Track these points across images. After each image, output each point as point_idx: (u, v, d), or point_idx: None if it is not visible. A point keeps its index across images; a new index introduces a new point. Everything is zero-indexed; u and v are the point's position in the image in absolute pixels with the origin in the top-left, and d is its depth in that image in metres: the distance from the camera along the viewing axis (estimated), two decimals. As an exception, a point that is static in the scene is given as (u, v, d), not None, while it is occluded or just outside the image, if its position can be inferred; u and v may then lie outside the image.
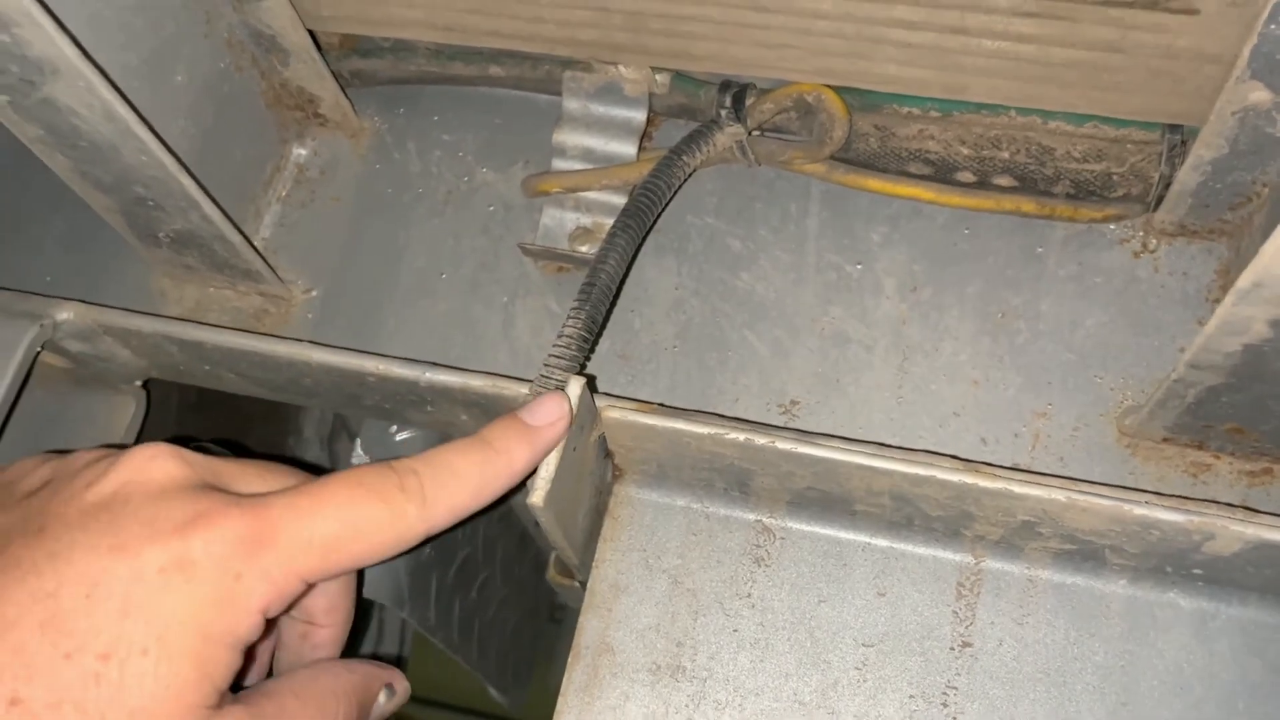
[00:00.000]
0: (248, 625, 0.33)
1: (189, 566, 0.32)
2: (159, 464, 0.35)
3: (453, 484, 0.37)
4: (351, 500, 0.35)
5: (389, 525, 0.35)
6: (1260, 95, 0.40)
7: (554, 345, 0.43)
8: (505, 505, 0.65)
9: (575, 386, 0.41)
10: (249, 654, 0.35)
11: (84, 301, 0.49)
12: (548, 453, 0.40)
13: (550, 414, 0.39)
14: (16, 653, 0.30)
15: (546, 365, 0.43)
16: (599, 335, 0.48)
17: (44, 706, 0.30)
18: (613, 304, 0.48)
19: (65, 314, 0.49)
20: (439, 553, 0.54)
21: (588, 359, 0.46)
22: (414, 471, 0.36)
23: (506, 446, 0.38)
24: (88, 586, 0.32)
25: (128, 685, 0.31)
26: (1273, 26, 0.38)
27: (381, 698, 0.41)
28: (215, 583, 0.32)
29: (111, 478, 0.35)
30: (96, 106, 0.41)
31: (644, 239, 0.50)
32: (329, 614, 0.41)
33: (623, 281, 0.48)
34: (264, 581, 0.33)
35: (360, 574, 0.43)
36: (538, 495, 0.39)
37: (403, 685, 0.42)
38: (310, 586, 0.36)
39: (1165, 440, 0.46)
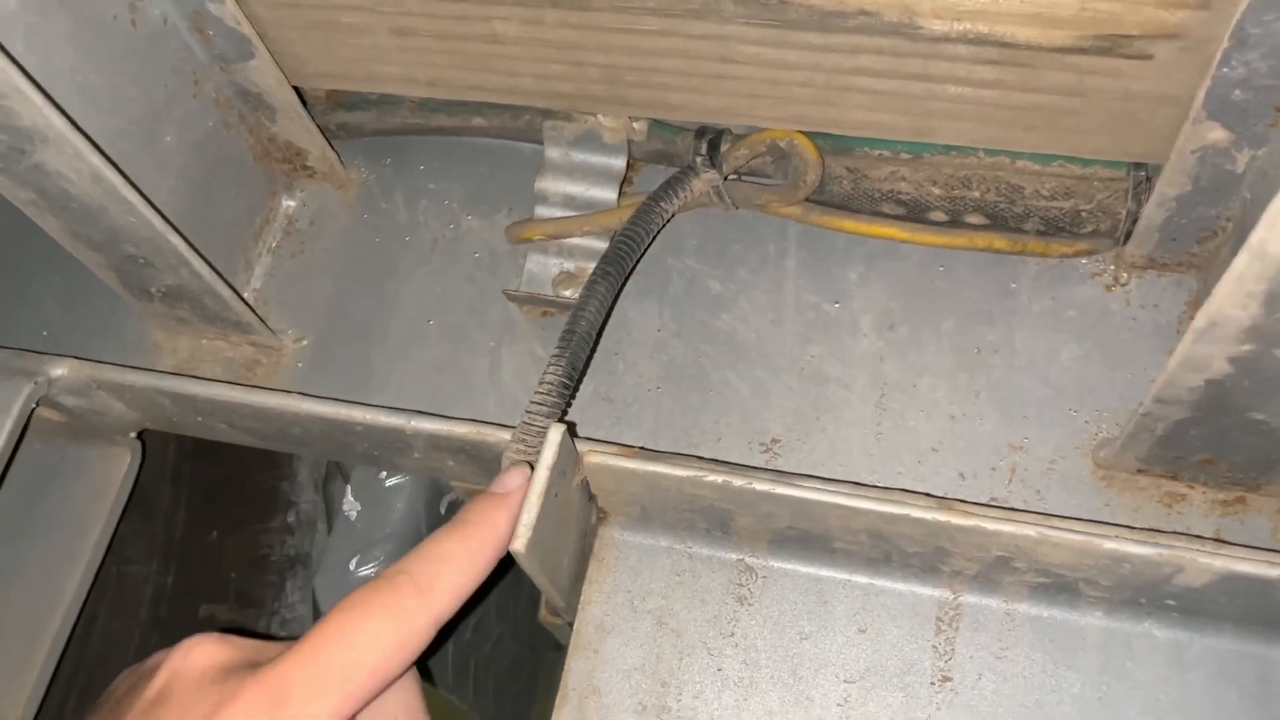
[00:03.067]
0: None
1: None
2: (201, 650, 0.37)
3: (444, 568, 0.38)
4: (351, 624, 0.36)
5: (394, 630, 0.36)
6: (1218, 134, 0.41)
7: (535, 393, 0.44)
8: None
9: (555, 434, 0.42)
10: None
11: (78, 358, 0.50)
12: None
13: (517, 483, 0.40)
14: None
15: (528, 413, 0.44)
16: (580, 380, 0.49)
17: None
18: (594, 349, 0.49)
19: (59, 370, 0.50)
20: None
21: (569, 405, 0.47)
22: (402, 571, 0.37)
23: (485, 518, 0.39)
24: None
25: None
26: (1225, 70, 0.39)
27: None
28: None
29: (163, 672, 0.36)
30: (84, 171, 0.43)
31: (624, 284, 0.51)
32: None
33: (604, 326, 0.49)
34: None
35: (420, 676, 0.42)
36: (519, 542, 0.40)
37: None
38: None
39: (1139, 472, 0.47)
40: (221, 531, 0.64)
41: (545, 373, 0.45)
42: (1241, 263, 0.32)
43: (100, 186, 0.44)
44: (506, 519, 0.40)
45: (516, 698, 0.74)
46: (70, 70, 0.45)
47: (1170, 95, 0.42)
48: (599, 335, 0.48)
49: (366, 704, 0.36)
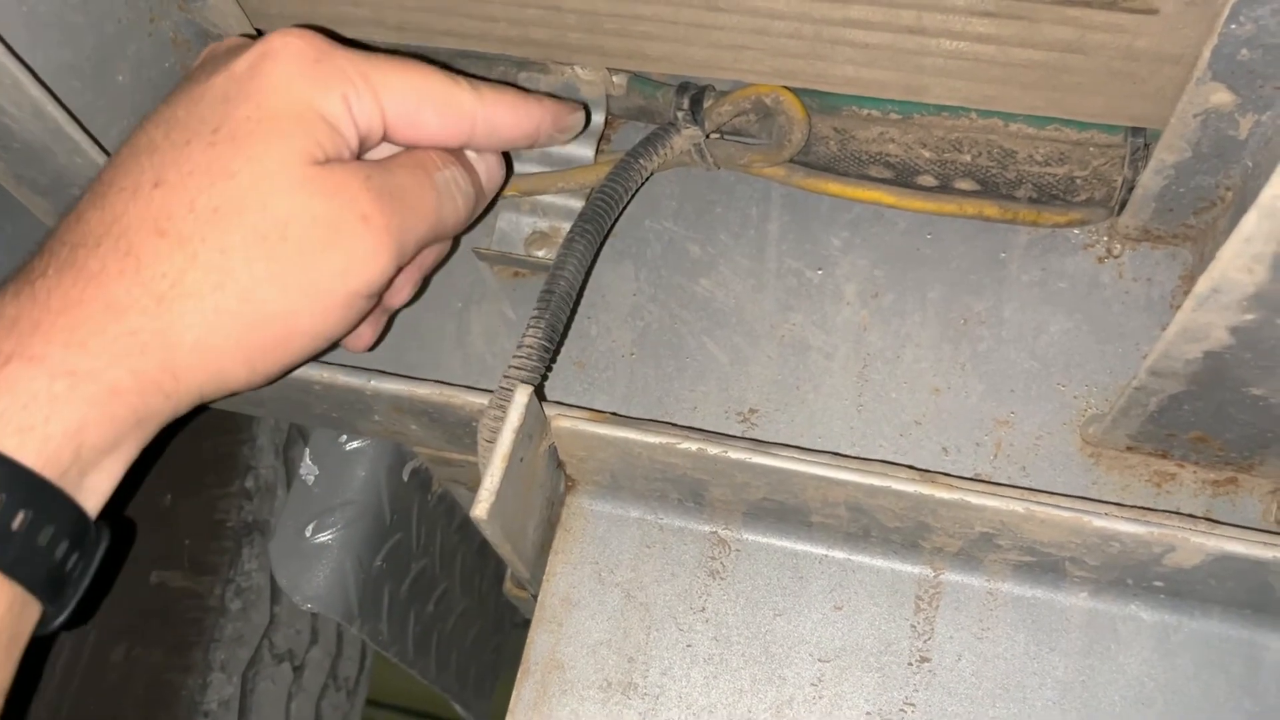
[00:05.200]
0: (336, 109, 0.38)
1: (272, 57, 0.38)
2: (297, 35, 0.39)
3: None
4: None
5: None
6: (1222, 97, 0.40)
7: (514, 356, 0.42)
8: (464, 517, 0.63)
9: (521, 395, 0.40)
10: None
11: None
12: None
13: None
14: (151, 154, 0.37)
15: (506, 378, 0.42)
16: (561, 343, 0.47)
17: (179, 177, 0.36)
18: (573, 311, 0.47)
19: (2, 320, 0.47)
20: (391, 566, 0.53)
21: (549, 369, 0.44)
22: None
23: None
24: (196, 96, 0.38)
25: (238, 148, 0.36)
26: (1233, 26, 0.37)
27: (471, 155, 0.45)
28: (298, 70, 0.38)
29: (255, 49, 0.39)
30: (26, 105, 0.40)
31: (602, 243, 0.48)
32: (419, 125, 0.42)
33: (582, 287, 0.47)
34: (343, 80, 0.38)
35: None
36: (481, 508, 0.38)
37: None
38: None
39: (1129, 449, 0.45)
40: (176, 496, 0.61)
41: (524, 335, 0.42)
42: (1250, 222, 0.30)
43: (43, 124, 0.41)
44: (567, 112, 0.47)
45: (480, 674, 0.72)
46: (16, -1, 0.42)
47: (1174, 54, 0.40)
48: (579, 296, 0.46)
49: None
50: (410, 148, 0.42)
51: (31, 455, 0.33)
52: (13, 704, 0.36)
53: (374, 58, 0.40)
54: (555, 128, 0.46)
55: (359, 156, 0.40)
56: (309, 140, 0.37)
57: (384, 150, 0.42)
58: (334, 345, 0.42)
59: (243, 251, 0.36)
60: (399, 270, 0.40)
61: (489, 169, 0.45)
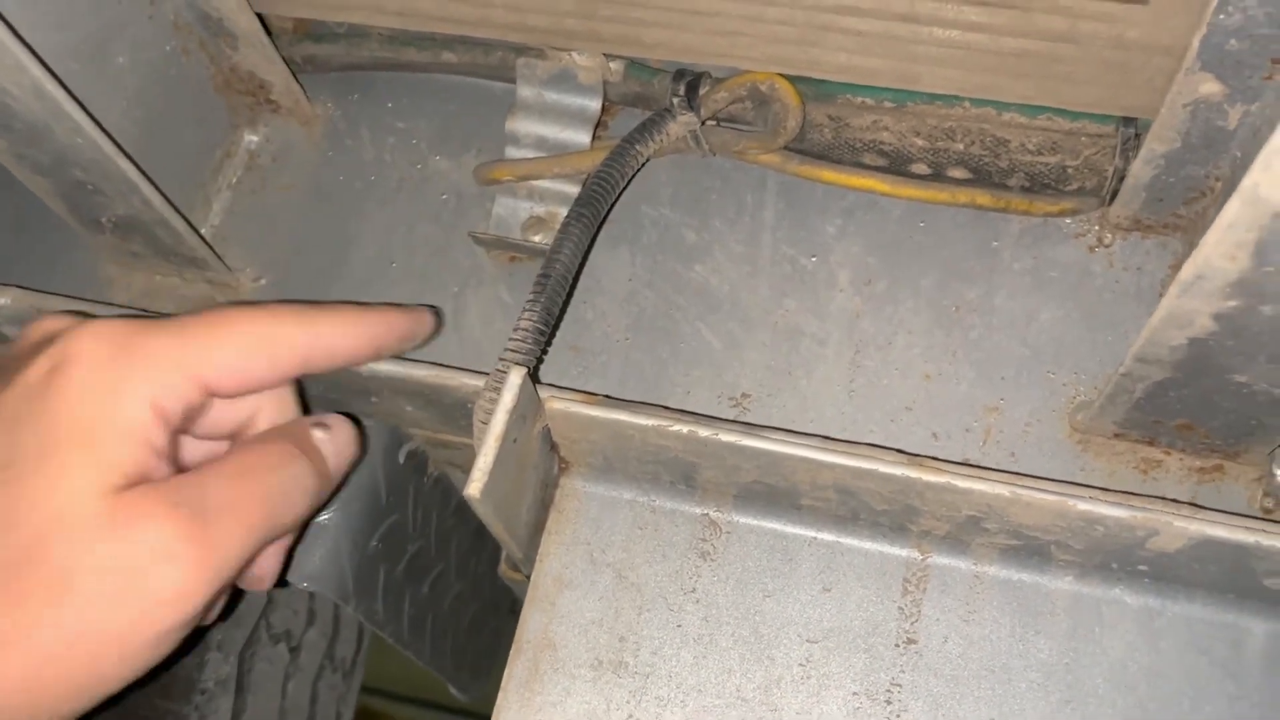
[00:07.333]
0: (137, 416, 0.35)
1: (66, 365, 0.34)
2: (97, 328, 0.36)
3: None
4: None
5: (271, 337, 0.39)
6: (1211, 87, 0.40)
7: (510, 339, 0.43)
8: (460, 499, 0.64)
9: (515, 376, 0.40)
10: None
11: (22, 287, 0.48)
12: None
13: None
14: None
15: (502, 359, 0.42)
16: (556, 327, 0.47)
17: None
18: (569, 295, 0.47)
19: (2, 299, 0.48)
20: (387, 546, 0.53)
21: (545, 352, 0.45)
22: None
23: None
24: None
25: (27, 484, 0.33)
26: (1222, 16, 0.37)
27: (318, 434, 0.41)
28: (94, 376, 0.34)
29: (50, 355, 0.36)
30: (26, 85, 0.41)
31: (599, 228, 0.49)
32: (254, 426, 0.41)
33: (578, 272, 0.48)
34: (148, 372, 0.35)
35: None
36: (474, 487, 0.39)
37: (334, 418, 0.43)
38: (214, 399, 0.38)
39: (1116, 436, 0.46)
40: (175, 477, 0.62)
41: (520, 319, 0.43)
42: (1233, 209, 0.31)
43: (44, 103, 0.42)
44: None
45: (476, 657, 0.72)
46: (16, -20, 0.43)
47: (1164, 44, 0.41)
48: (575, 280, 0.46)
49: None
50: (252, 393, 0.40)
51: None
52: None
53: (187, 327, 0.37)
54: (397, 338, 0.43)
55: (186, 432, 0.38)
56: (105, 465, 0.34)
57: (221, 407, 0.40)
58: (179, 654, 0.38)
59: (35, 608, 0.33)
60: (222, 591, 0.37)
61: (338, 449, 0.43)
